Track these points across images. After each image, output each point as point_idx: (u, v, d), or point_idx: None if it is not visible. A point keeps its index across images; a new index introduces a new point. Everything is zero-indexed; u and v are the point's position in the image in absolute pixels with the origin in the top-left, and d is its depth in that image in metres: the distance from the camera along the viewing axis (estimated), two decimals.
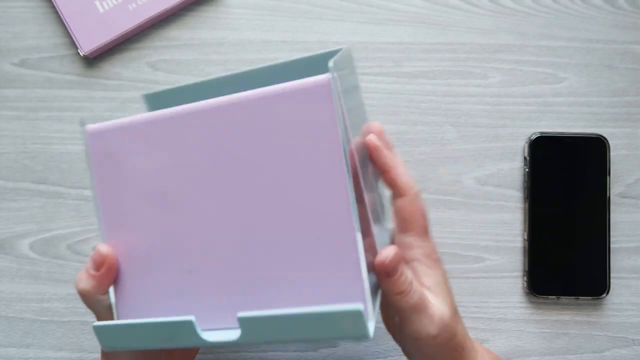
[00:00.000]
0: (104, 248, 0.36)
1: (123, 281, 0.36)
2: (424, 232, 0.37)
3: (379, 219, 0.37)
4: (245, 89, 0.36)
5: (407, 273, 0.34)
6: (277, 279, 0.32)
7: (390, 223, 0.40)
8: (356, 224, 0.31)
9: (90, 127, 0.36)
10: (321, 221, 0.32)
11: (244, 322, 0.31)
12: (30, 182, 0.55)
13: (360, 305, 0.29)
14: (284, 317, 0.30)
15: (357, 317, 0.29)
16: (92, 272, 0.36)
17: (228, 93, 0.37)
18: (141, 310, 0.35)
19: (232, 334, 0.32)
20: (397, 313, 0.36)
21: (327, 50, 0.39)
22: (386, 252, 0.33)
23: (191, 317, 0.32)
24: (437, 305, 0.36)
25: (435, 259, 0.37)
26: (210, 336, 0.32)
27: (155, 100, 0.42)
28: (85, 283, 0.36)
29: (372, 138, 0.36)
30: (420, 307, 0.35)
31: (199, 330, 0.32)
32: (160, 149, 0.34)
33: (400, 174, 0.36)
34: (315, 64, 0.39)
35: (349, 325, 0.29)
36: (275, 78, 0.39)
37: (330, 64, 0.31)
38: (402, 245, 0.37)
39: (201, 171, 0.33)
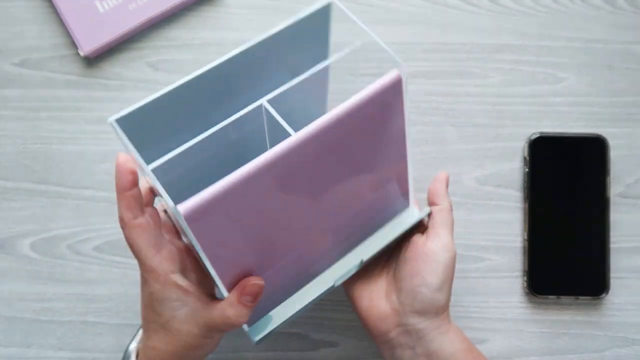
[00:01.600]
0: (259, 281, 0.37)
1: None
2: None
3: None
4: (234, 80, 0.37)
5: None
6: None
7: None
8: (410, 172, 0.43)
9: (185, 208, 0.31)
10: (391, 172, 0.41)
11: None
12: (30, 182, 0.55)
13: None
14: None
15: None
16: (249, 302, 0.38)
17: (221, 90, 0.37)
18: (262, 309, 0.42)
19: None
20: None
21: (307, 13, 0.39)
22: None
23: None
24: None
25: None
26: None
27: (133, 123, 0.37)
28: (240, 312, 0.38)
29: None
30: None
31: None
32: (260, 199, 0.34)
33: None
34: (299, 30, 0.39)
35: None
36: (265, 57, 0.39)
37: (400, 60, 0.35)
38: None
39: (299, 198, 0.36)
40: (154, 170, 0.35)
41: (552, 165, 0.54)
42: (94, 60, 0.56)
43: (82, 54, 0.55)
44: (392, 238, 0.45)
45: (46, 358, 0.53)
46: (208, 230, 0.33)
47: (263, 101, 0.38)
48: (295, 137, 0.33)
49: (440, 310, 0.42)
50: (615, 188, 0.54)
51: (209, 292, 0.41)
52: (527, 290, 0.53)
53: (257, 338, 0.42)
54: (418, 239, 0.43)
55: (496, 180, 0.55)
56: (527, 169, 0.54)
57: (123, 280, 0.54)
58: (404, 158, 0.41)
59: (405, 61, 0.56)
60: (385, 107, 0.36)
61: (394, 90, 0.36)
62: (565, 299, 0.53)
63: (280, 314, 0.43)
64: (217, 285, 0.37)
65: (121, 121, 0.35)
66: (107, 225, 0.54)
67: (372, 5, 0.57)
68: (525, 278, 0.53)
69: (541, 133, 0.54)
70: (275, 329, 0.42)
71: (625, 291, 0.53)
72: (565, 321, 0.53)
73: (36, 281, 0.54)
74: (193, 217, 0.31)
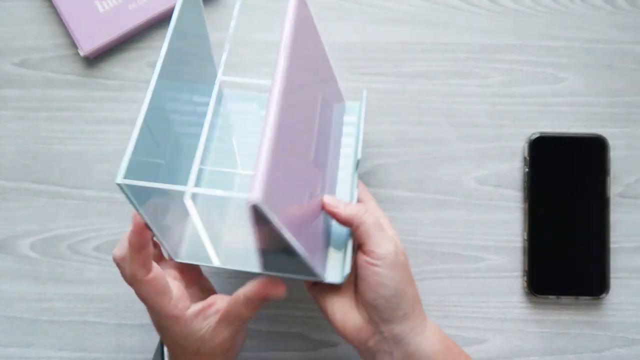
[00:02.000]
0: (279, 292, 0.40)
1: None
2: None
3: None
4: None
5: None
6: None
7: None
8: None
9: (256, 197, 0.32)
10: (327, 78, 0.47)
11: None
12: (30, 182, 0.55)
13: None
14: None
15: None
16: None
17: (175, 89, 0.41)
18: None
19: None
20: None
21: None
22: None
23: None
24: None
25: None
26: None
27: (136, 167, 0.38)
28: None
29: None
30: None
31: None
32: (289, 161, 0.37)
33: None
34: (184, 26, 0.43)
35: None
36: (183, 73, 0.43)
37: None
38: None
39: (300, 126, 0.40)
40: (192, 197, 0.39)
41: (552, 165, 0.54)
42: (94, 60, 0.56)
43: (82, 54, 0.55)
44: (356, 127, 0.50)
45: (46, 358, 0.53)
46: (278, 208, 0.34)
47: (220, 77, 0.45)
48: (278, 75, 0.36)
49: (408, 311, 0.42)
50: (615, 188, 0.54)
51: (201, 283, 0.46)
52: (527, 290, 0.53)
53: (344, 278, 0.43)
54: (360, 257, 0.43)
55: (496, 180, 0.55)
56: (527, 169, 0.54)
57: (123, 281, 0.54)
58: (327, 61, 0.47)
59: (405, 61, 0.56)
60: (303, 25, 0.41)
61: (302, 8, 0.41)
62: (565, 299, 0.53)
63: (337, 247, 0.45)
64: (303, 260, 0.38)
65: (128, 175, 0.35)
66: (107, 225, 0.54)
67: (372, 5, 0.57)
68: (525, 278, 0.53)
69: (541, 133, 0.54)
70: (346, 260, 0.44)
71: (625, 291, 0.53)
72: (565, 321, 0.53)
73: (36, 281, 0.54)
74: (267, 200, 0.32)
